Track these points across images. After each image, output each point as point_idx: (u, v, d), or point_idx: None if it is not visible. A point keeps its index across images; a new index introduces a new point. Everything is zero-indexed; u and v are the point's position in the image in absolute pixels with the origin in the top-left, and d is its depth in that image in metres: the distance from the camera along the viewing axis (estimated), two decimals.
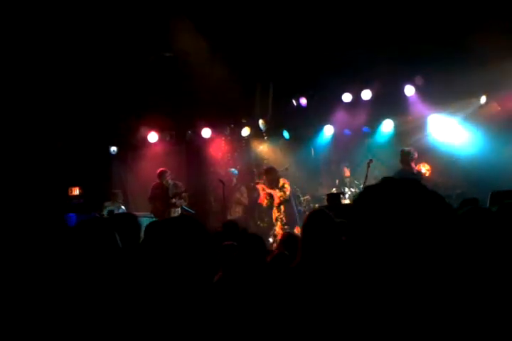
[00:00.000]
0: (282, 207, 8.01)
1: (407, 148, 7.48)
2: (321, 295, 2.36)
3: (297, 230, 7.74)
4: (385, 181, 1.19)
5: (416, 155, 7.35)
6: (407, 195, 1.13)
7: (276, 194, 8.06)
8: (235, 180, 9.51)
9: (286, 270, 2.90)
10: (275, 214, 8.10)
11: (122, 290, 1.93)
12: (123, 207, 8.98)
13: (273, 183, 8.09)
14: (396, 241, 1.09)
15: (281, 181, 8.12)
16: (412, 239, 1.08)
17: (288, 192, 8.01)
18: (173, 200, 8.53)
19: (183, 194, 8.67)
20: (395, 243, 1.09)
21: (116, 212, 8.22)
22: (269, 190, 8.22)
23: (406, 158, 7.31)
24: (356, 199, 1.21)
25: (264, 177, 8.27)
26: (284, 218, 7.98)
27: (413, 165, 7.32)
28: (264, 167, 8.71)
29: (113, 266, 2.12)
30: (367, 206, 1.16)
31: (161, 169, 8.75)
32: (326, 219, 2.93)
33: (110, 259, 2.14)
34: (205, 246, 1.81)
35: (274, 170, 8.22)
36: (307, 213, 3.20)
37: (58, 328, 1.90)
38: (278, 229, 7.93)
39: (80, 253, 2.15)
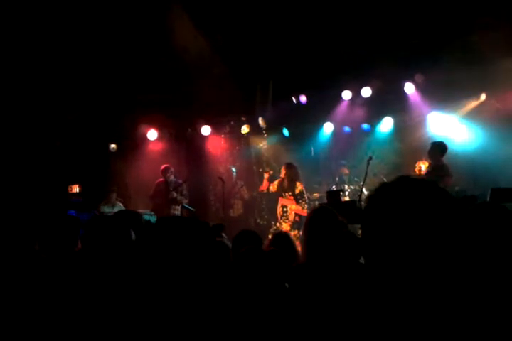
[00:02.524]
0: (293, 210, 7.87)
1: (437, 141, 7.15)
2: (329, 292, 2.36)
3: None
4: (401, 180, 1.18)
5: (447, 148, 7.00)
6: (421, 195, 1.13)
7: (294, 208, 7.79)
8: (234, 178, 9.49)
9: (292, 267, 2.90)
10: (279, 212, 8.01)
11: (129, 285, 1.94)
12: (121, 204, 8.97)
13: (291, 180, 7.91)
14: (408, 239, 1.09)
15: (299, 187, 7.84)
16: (423, 238, 1.08)
17: (305, 208, 7.71)
18: (174, 194, 8.51)
19: (184, 189, 8.66)
20: (407, 241, 1.09)
21: (111, 211, 8.20)
22: (286, 202, 7.88)
23: (436, 151, 6.96)
24: (371, 196, 1.19)
25: (284, 171, 8.06)
26: (297, 218, 7.82)
27: (442, 159, 6.94)
28: (287, 162, 8.51)
29: (126, 262, 2.12)
30: (381, 204, 1.15)
31: (165, 165, 8.76)
32: (330, 216, 2.94)
33: (124, 255, 2.15)
34: (206, 243, 1.82)
35: (295, 167, 8.08)
36: (310, 211, 3.19)
37: (67, 323, 1.90)
38: (286, 227, 7.79)
39: (95, 250, 2.16)
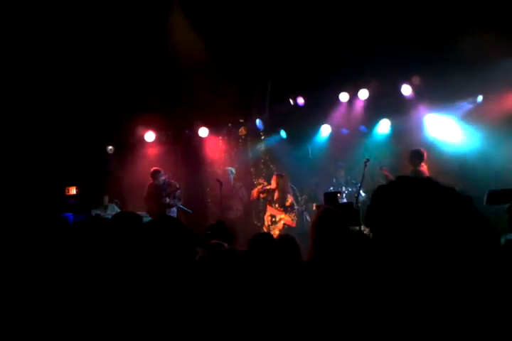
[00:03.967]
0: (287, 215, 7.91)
1: (416, 148, 7.46)
2: (337, 290, 2.38)
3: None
4: (400, 179, 1.19)
5: (425, 155, 7.36)
6: (423, 193, 1.13)
7: (284, 218, 7.88)
8: (232, 180, 9.47)
9: (297, 265, 2.95)
10: (268, 221, 8.02)
11: (115, 288, 1.93)
12: (115, 206, 8.97)
13: (283, 193, 7.93)
14: (413, 239, 1.09)
15: (289, 200, 7.89)
16: (428, 236, 1.08)
17: (295, 220, 7.82)
18: (167, 200, 8.47)
19: (177, 192, 8.64)
20: (412, 241, 1.09)
21: (102, 214, 8.20)
22: (275, 212, 7.96)
23: (416, 158, 7.28)
24: (372, 198, 1.20)
25: (275, 182, 8.06)
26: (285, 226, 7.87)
27: (423, 165, 7.24)
28: (278, 172, 8.56)
29: (108, 264, 2.12)
30: (383, 205, 1.16)
31: (154, 168, 8.72)
32: (337, 216, 2.99)
33: (105, 258, 2.15)
34: (187, 245, 1.82)
35: (286, 178, 8.10)
36: (317, 211, 3.25)
37: (58, 323, 1.90)
38: (277, 232, 7.85)
39: (77, 252, 2.16)
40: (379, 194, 1.19)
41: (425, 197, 1.11)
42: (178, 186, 8.67)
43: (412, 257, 1.09)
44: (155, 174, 8.60)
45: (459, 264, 1.07)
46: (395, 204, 1.13)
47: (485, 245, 1.11)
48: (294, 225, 7.85)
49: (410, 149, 7.79)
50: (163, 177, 8.65)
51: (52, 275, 2.38)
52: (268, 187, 8.13)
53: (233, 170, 9.53)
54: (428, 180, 1.18)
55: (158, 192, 8.50)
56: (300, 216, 8.40)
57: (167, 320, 1.71)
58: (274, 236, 7.58)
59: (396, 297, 1.10)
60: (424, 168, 7.27)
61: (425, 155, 7.37)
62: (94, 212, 8.55)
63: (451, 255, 1.07)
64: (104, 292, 1.95)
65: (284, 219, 7.81)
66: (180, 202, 8.70)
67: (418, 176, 6.85)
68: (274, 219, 7.91)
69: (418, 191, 1.13)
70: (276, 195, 7.92)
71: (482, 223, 1.12)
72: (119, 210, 8.54)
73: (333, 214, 3.07)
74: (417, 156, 7.33)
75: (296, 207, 8.06)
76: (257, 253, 3.21)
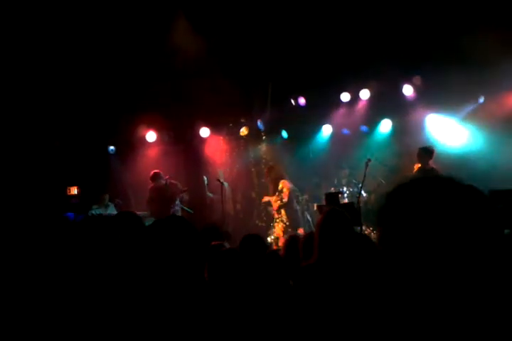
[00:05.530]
0: (282, 210, 7.96)
1: (425, 145, 7.31)
2: (342, 291, 2.37)
3: (300, 231, 7.73)
4: (417, 180, 1.11)
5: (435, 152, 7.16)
6: (444, 192, 1.05)
7: (274, 200, 7.99)
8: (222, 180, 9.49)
9: (301, 267, 2.94)
10: (275, 215, 8.09)
11: (120, 287, 1.94)
12: (113, 206, 8.98)
13: (274, 183, 8.01)
14: (437, 242, 1.01)
15: (281, 184, 7.99)
16: (455, 240, 1.01)
17: (285, 199, 7.87)
18: (184, 197, 8.53)
19: (183, 194, 8.68)
20: (436, 244, 1.01)
21: (104, 213, 8.22)
22: (267, 198, 8.15)
23: (426, 155, 7.09)
24: (387, 200, 1.11)
25: (266, 176, 8.20)
26: (286, 221, 7.93)
27: (431, 162, 7.05)
28: (269, 165, 8.67)
29: (114, 263, 2.12)
30: (401, 205, 1.08)
31: (154, 171, 8.73)
32: (342, 217, 2.99)
33: (111, 257, 2.15)
34: (195, 245, 1.83)
35: (275, 169, 8.16)
36: (322, 212, 3.25)
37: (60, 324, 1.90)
38: (279, 231, 7.89)
39: (79, 252, 2.16)
40: (397, 193, 1.11)
41: (446, 197, 1.04)
42: (181, 188, 8.70)
43: (429, 259, 1.02)
44: (155, 177, 8.63)
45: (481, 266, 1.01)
46: (414, 205, 1.06)
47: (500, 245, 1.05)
48: (288, 191, 7.87)
49: (411, 149, 7.77)
50: (163, 179, 8.66)
51: (55, 276, 2.38)
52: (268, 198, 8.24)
53: (221, 174, 9.52)
54: (449, 178, 1.08)
55: (160, 194, 8.52)
56: (301, 216, 8.42)
57: (170, 319, 1.71)
58: (276, 233, 7.68)
59: (405, 300, 1.05)
60: (435, 165, 7.07)
61: (434, 152, 7.15)
62: (95, 210, 8.57)
63: (470, 255, 1.01)
64: (108, 290, 1.96)
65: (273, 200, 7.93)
66: (187, 197, 8.79)
67: (430, 174, 6.65)
68: (278, 210, 8.02)
69: (439, 191, 1.06)
70: (271, 187, 8.07)
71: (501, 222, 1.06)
72: (115, 211, 8.54)
73: (338, 214, 3.07)
74: (427, 153, 7.10)
75: (288, 191, 8.09)
76: (247, 255, 3.21)
